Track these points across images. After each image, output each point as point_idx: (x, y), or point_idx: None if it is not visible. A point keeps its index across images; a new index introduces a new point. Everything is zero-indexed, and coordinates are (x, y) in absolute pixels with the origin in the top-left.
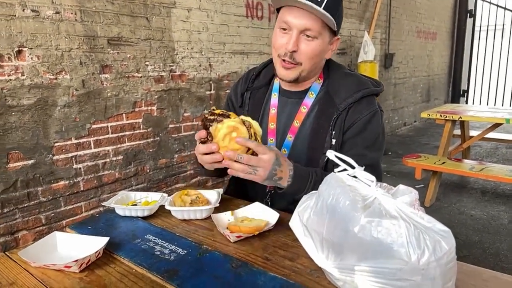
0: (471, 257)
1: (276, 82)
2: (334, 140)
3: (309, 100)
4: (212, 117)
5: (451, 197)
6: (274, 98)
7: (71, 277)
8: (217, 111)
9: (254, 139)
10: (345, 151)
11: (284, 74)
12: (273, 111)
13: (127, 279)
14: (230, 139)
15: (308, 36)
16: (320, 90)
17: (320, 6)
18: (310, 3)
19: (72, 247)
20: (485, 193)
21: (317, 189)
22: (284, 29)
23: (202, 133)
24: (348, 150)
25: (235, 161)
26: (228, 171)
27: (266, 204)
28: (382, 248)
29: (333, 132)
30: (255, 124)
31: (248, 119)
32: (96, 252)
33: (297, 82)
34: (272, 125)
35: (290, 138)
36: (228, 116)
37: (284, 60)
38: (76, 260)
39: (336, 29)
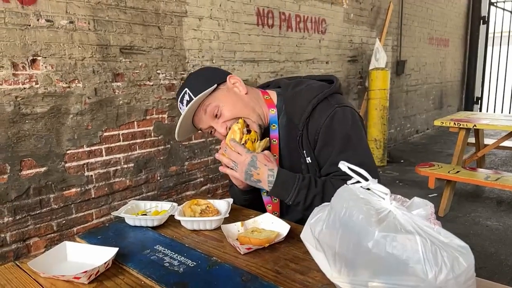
0: (487, 269)
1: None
2: (308, 159)
3: (274, 132)
4: None
5: (466, 207)
6: (274, 132)
7: None
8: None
9: (243, 142)
10: (325, 164)
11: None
12: (274, 142)
13: None
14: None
15: (214, 116)
16: (281, 117)
17: (191, 98)
18: (185, 109)
19: (82, 257)
20: (501, 203)
21: (308, 194)
22: (211, 133)
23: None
24: (326, 162)
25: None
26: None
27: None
28: (397, 264)
29: (304, 151)
30: (257, 137)
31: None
32: (105, 263)
33: (265, 125)
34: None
35: None
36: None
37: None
38: (85, 271)
39: (216, 85)
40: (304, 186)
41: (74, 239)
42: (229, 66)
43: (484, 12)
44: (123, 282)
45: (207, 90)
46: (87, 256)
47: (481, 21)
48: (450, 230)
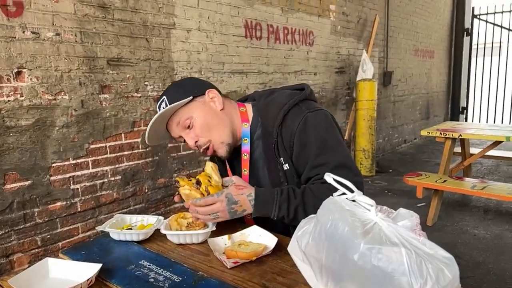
0: (475, 278)
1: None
2: (286, 166)
3: (245, 146)
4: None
5: (454, 216)
6: (245, 146)
7: None
8: (178, 179)
9: (205, 190)
10: (303, 170)
11: (218, 155)
12: (245, 157)
13: None
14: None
15: (186, 127)
16: (257, 129)
17: (166, 105)
18: (158, 114)
19: (65, 273)
20: (488, 211)
21: (290, 207)
22: (183, 142)
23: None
24: (305, 167)
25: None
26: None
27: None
28: (383, 276)
29: (281, 158)
30: (212, 174)
31: (207, 170)
32: (88, 280)
33: (236, 144)
34: (245, 171)
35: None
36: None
37: (206, 150)
38: None
39: (192, 96)
40: (284, 200)
41: (58, 255)
42: (218, 77)
43: (467, 24)
44: None
45: (182, 101)
46: (70, 273)
47: (465, 33)
48: (438, 239)
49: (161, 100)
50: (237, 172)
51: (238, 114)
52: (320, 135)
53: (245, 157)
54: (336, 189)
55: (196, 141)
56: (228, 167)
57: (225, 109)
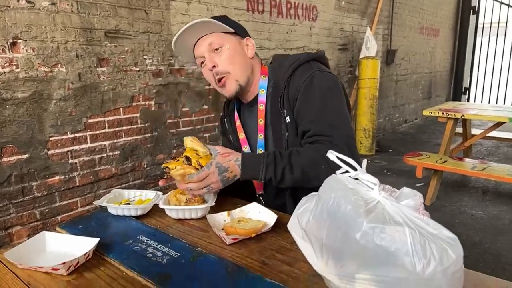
0: (472, 258)
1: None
2: (287, 118)
3: (263, 96)
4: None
5: (452, 196)
6: (236, 113)
7: (58, 280)
8: (164, 165)
9: (197, 162)
10: (301, 122)
11: (225, 92)
12: (238, 123)
13: (117, 283)
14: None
15: (215, 50)
16: (269, 84)
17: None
18: (201, 20)
19: (62, 247)
20: (486, 192)
21: (277, 168)
22: (202, 63)
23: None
24: (302, 120)
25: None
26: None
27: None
28: (386, 256)
29: (284, 111)
30: (197, 147)
31: (189, 145)
32: (85, 254)
33: (244, 91)
34: (241, 135)
35: (260, 136)
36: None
37: (218, 81)
38: (64, 263)
39: (234, 31)
40: (271, 162)
41: (55, 231)
42: None
43: (474, 2)
44: (103, 274)
45: (226, 26)
46: (67, 247)
47: (471, 11)
48: (436, 219)
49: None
50: (248, 125)
51: (259, 69)
52: (323, 92)
53: (261, 107)
54: (324, 151)
55: (214, 67)
56: (239, 123)
57: (252, 59)
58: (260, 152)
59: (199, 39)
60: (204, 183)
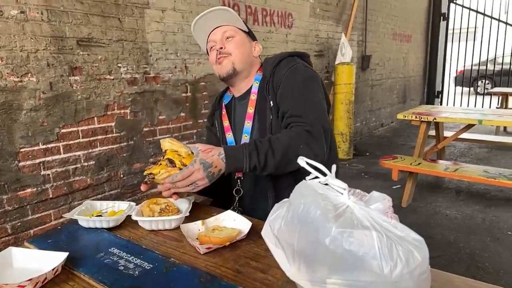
0: (447, 257)
1: (228, 95)
2: (271, 103)
3: (255, 88)
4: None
5: (427, 197)
6: (223, 103)
7: None
8: (146, 173)
9: (181, 162)
10: (282, 105)
11: (219, 69)
12: (223, 112)
13: None
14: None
15: (228, 38)
16: (261, 78)
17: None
18: (225, 8)
19: (29, 263)
20: (459, 192)
21: (260, 155)
22: (211, 47)
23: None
24: (283, 103)
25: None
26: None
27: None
28: (354, 260)
29: (269, 96)
30: (177, 148)
31: (169, 147)
32: (53, 269)
33: (236, 74)
34: (226, 123)
35: (248, 123)
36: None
37: (218, 59)
38: (31, 279)
39: (244, 28)
40: (253, 150)
41: (23, 246)
42: (195, 59)
43: (444, 9)
44: None
45: (243, 24)
46: (35, 262)
47: (442, 17)
48: (412, 221)
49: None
50: (238, 115)
51: (258, 67)
52: (303, 81)
53: (253, 97)
54: (301, 131)
55: (221, 48)
56: (224, 112)
57: (256, 58)
58: (245, 137)
59: (215, 28)
60: (189, 180)
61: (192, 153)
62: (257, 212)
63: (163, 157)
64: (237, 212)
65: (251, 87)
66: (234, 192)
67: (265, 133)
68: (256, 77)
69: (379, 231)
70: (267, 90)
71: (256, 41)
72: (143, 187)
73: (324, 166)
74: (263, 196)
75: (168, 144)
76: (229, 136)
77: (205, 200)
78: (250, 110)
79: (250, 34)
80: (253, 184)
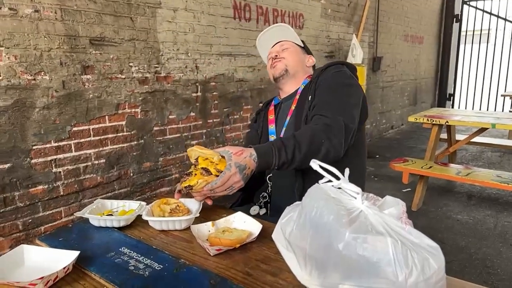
0: (458, 263)
1: (278, 98)
2: (310, 97)
3: (301, 89)
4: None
5: (438, 201)
6: (272, 102)
7: None
8: (183, 185)
9: (216, 169)
10: (314, 101)
11: (274, 70)
12: (271, 108)
13: None
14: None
15: (284, 49)
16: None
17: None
18: (286, 25)
19: (40, 261)
20: (471, 197)
21: (287, 151)
22: (269, 58)
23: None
24: (316, 98)
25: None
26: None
27: (265, 201)
28: (368, 266)
29: (310, 92)
30: (208, 156)
31: (199, 155)
32: (64, 268)
33: (288, 76)
34: (271, 117)
35: (288, 118)
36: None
37: (272, 63)
38: (42, 278)
39: (300, 43)
40: (281, 147)
41: (34, 243)
42: (205, 59)
43: (457, 11)
44: None
45: (298, 38)
46: (46, 261)
47: (454, 19)
48: (422, 224)
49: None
50: (281, 114)
51: (308, 75)
52: (344, 86)
53: (298, 97)
54: (323, 127)
55: (276, 56)
56: (271, 108)
57: (308, 68)
58: (284, 129)
59: (276, 44)
60: (228, 184)
61: (223, 157)
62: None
63: (195, 167)
64: (265, 205)
65: (298, 89)
66: (265, 182)
67: (299, 126)
68: (304, 81)
69: (393, 237)
70: (310, 87)
71: (310, 55)
72: (176, 196)
73: (345, 173)
74: (291, 189)
75: (197, 152)
76: (271, 128)
77: (220, 200)
78: (293, 107)
79: (305, 49)
80: (281, 177)
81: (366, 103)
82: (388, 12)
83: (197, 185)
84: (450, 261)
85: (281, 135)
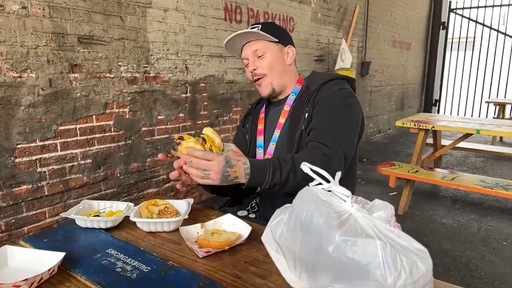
0: (442, 266)
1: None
2: (306, 114)
3: (291, 100)
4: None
5: (424, 205)
6: (262, 108)
7: None
8: (176, 136)
9: (209, 149)
10: (313, 119)
11: (260, 91)
12: (261, 115)
13: None
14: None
15: (259, 57)
16: (301, 90)
17: (257, 29)
18: (248, 29)
19: (25, 262)
20: (456, 201)
21: (282, 173)
22: (246, 65)
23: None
24: (314, 118)
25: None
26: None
27: (254, 211)
28: (358, 269)
29: (306, 108)
30: (214, 137)
31: (209, 133)
32: (49, 270)
33: (276, 93)
34: (260, 126)
35: (277, 132)
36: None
37: (255, 80)
38: (26, 279)
39: (278, 40)
40: (276, 167)
41: (17, 244)
42: (195, 60)
43: (444, 18)
44: None
45: (270, 37)
46: (31, 262)
47: (441, 26)
48: (408, 228)
49: (256, 25)
50: (269, 121)
51: (295, 78)
52: (344, 108)
53: (287, 108)
54: (323, 159)
55: (255, 69)
56: (262, 116)
57: (290, 66)
58: (272, 145)
59: (247, 43)
60: (206, 164)
61: (222, 150)
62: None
63: (200, 135)
64: (253, 212)
65: (287, 97)
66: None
67: (292, 144)
68: (294, 89)
69: (383, 240)
70: (307, 101)
71: (289, 45)
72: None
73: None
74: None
75: (210, 131)
76: (260, 140)
77: (209, 202)
78: (282, 120)
79: (282, 40)
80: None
81: (364, 118)
82: (377, 18)
83: (186, 141)
84: (435, 264)
85: (269, 150)
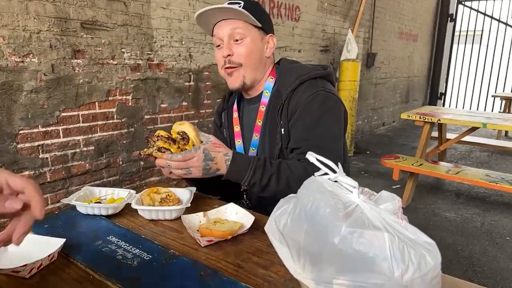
0: (445, 260)
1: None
2: (282, 130)
3: (266, 98)
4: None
5: (427, 199)
6: (235, 104)
7: (19, 283)
8: (146, 152)
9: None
10: (293, 137)
11: (229, 82)
12: (235, 115)
13: (83, 287)
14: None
15: (237, 40)
16: (273, 87)
17: (240, 6)
18: (228, 5)
19: (25, 248)
20: (459, 195)
21: (264, 174)
22: (218, 46)
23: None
24: (295, 135)
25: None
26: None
27: (244, 205)
28: (364, 261)
29: (281, 122)
30: (190, 130)
31: (185, 128)
32: (49, 256)
33: (246, 88)
34: (236, 128)
35: (256, 137)
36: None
37: (226, 68)
38: (25, 265)
39: (261, 25)
40: (260, 166)
41: None
42: (199, 48)
43: (452, 10)
44: (69, 277)
45: (254, 19)
46: (31, 247)
47: (449, 18)
48: (411, 221)
49: (238, 1)
50: (246, 121)
51: (270, 69)
52: (320, 113)
53: (262, 109)
54: (312, 170)
55: (230, 55)
56: (236, 115)
57: (268, 59)
58: (253, 151)
59: (222, 20)
60: (185, 164)
61: (201, 141)
62: (265, 209)
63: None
64: (244, 206)
65: (261, 94)
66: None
67: (272, 152)
68: (267, 84)
69: (390, 232)
70: (280, 114)
71: (270, 34)
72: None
73: None
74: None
75: (186, 125)
76: (239, 144)
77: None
78: (259, 122)
79: (264, 26)
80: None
81: (345, 109)
82: (384, 9)
83: (160, 141)
84: None
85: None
